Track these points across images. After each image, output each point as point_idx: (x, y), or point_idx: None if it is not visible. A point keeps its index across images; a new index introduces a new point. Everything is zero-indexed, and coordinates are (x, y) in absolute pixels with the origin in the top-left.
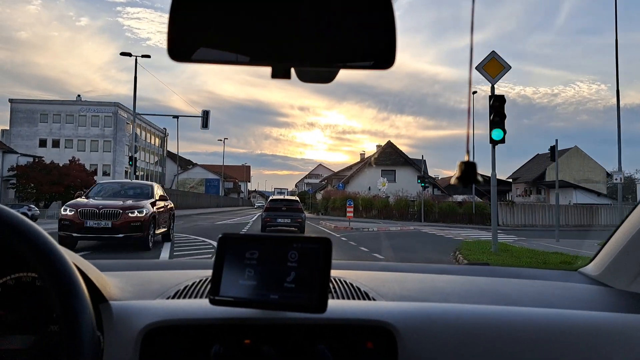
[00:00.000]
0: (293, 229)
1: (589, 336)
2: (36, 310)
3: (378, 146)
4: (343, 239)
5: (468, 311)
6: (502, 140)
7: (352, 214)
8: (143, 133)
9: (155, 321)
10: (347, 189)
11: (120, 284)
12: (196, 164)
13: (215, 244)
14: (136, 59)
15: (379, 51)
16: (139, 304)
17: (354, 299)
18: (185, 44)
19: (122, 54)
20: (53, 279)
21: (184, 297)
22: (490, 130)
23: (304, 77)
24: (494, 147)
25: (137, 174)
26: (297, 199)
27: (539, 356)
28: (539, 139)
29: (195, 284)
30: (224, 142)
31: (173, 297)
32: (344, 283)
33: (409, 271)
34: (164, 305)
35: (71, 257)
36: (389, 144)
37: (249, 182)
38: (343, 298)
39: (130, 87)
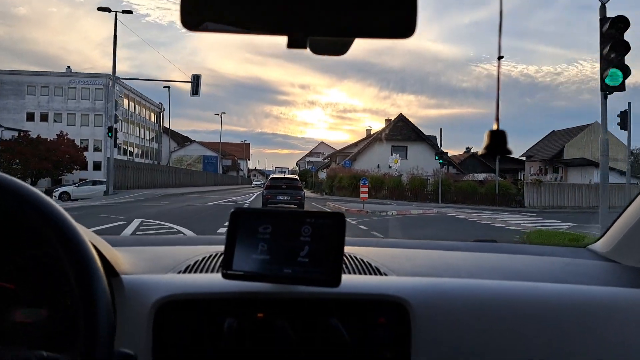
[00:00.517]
0: (293, 205)
1: (598, 310)
2: (49, 284)
3: (387, 120)
4: (362, 227)
5: (479, 286)
6: (621, 87)
7: (366, 195)
8: (137, 107)
9: (167, 295)
10: (354, 167)
11: (131, 259)
12: (194, 140)
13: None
14: (116, 15)
15: (398, 19)
16: (150, 278)
17: (366, 274)
18: (198, 12)
19: (100, 9)
20: (69, 253)
21: (196, 272)
22: (604, 71)
23: (318, 49)
24: (605, 97)
25: (121, 146)
26: (297, 177)
27: (549, 330)
28: (541, 118)
29: (206, 258)
30: (221, 117)
31: (184, 272)
32: (355, 259)
33: (418, 247)
34: (175, 280)
35: (85, 233)
36: (401, 118)
37: (249, 159)
38: (355, 273)
39: (130, 64)
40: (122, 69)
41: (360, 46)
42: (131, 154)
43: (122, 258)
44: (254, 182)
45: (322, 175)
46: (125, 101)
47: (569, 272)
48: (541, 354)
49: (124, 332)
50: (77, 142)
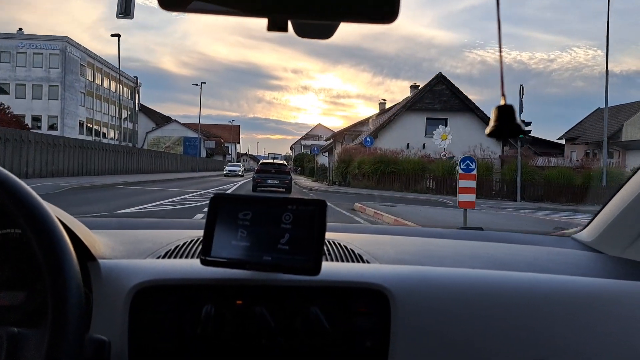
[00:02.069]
0: (281, 189)
1: (580, 301)
2: (25, 266)
3: (414, 87)
4: None
5: (462, 275)
6: None
7: (473, 196)
8: (106, 81)
9: (145, 280)
10: (376, 146)
11: (109, 243)
12: (174, 119)
13: None
14: None
15: (381, 3)
16: (128, 263)
17: (347, 261)
18: None
19: None
20: (36, 233)
21: (175, 257)
22: None
23: (302, 32)
24: None
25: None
26: (285, 163)
27: (531, 320)
28: (533, 105)
29: (187, 243)
30: (200, 88)
31: (164, 257)
32: (338, 245)
33: (403, 234)
34: (154, 265)
35: (56, 213)
36: (440, 79)
37: (239, 143)
38: (337, 260)
39: (121, 47)
40: (112, 52)
41: (354, 31)
42: (97, 133)
43: (100, 242)
44: (226, 169)
45: (323, 159)
46: (90, 71)
47: (553, 262)
48: (523, 344)
49: (100, 317)
50: (28, 118)
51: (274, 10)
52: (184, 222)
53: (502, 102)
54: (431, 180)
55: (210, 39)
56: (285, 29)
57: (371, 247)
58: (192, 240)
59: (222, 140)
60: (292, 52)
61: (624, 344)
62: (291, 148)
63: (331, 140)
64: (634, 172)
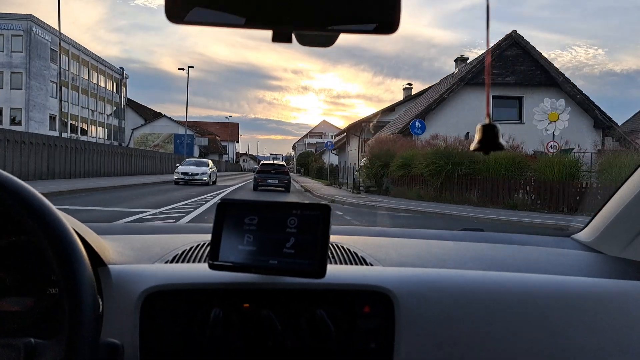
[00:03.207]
0: (280, 188)
1: (580, 302)
2: (34, 272)
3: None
4: None
5: (464, 276)
6: None
7: None
8: (93, 73)
9: (155, 285)
10: (427, 134)
11: (118, 248)
12: (163, 115)
13: None
14: None
15: (382, 15)
16: (137, 268)
17: (351, 264)
18: (182, 4)
19: None
20: (52, 242)
21: (183, 262)
22: None
23: (304, 41)
24: None
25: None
26: (284, 164)
27: (533, 321)
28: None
29: (194, 248)
30: (187, 72)
31: (172, 262)
32: (341, 249)
33: (405, 237)
34: (163, 270)
35: (69, 221)
36: (513, 40)
37: (237, 142)
38: (341, 263)
39: (121, 48)
40: (112, 53)
41: (359, 34)
42: (75, 129)
43: (109, 247)
44: (177, 172)
45: (332, 158)
46: (64, 58)
47: (552, 263)
48: (526, 344)
49: (111, 322)
50: None
51: (278, 22)
52: (190, 227)
53: (486, 121)
54: (532, 188)
55: (210, 40)
56: (289, 40)
57: (374, 249)
58: (198, 245)
59: (217, 137)
60: (292, 52)
61: (624, 343)
62: (294, 147)
63: (343, 135)
64: (632, 172)
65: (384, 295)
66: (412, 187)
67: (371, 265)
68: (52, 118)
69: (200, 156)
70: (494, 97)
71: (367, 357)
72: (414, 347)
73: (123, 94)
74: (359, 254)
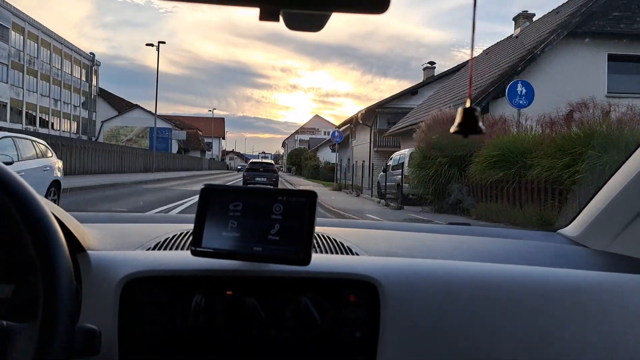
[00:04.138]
0: (269, 185)
1: (564, 293)
2: (15, 259)
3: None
4: None
5: (450, 267)
6: None
7: None
8: (57, 58)
9: (135, 272)
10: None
11: (99, 235)
12: (137, 105)
13: None
14: None
15: None
16: (118, 255)
17: (337, 253)
18: None
19: None
20: (29, 224)
21: (165, 249)
22: None
23: (293, 23)
24: None
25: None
26: (273, 162)
27: (519, 311)
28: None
29: (177, 236)
30: (158, 49)
31: (154, 249)
32: (328, 239)
33: (393, 229)
34: (144, 256)
35: (49, 206)
36: None
37: (223, 138)
38: (327, 253)
39: (107, 45)
40: (98, 49)
41: (343, 29)
42: (33, 121)
43: (89, 234)
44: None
45: (327, 155)
46: (19, 37)
47: (539, 255)
48: (511, 334)
49: (90, 308)
50: None
51: (265, 0)
52: (174, 217)
53: (467, 104)
54: None
55: (197, 37)
56: (277, 19)
57: (361, 240)
58: (182, 233)
59: (199, 132)
60: (280, 50)
61: (606, 333)
62: (283, 144)
63: (346, 127)
64: (618, 167)
65: (370, 285)
66: (521, 200)
67: (357, 254)
68: (3, 106)
69: (179, 152)
70: (609, 57)
71: (352, 346)
72: (399, 336)
73: (94, 83)
74: (345, 244)
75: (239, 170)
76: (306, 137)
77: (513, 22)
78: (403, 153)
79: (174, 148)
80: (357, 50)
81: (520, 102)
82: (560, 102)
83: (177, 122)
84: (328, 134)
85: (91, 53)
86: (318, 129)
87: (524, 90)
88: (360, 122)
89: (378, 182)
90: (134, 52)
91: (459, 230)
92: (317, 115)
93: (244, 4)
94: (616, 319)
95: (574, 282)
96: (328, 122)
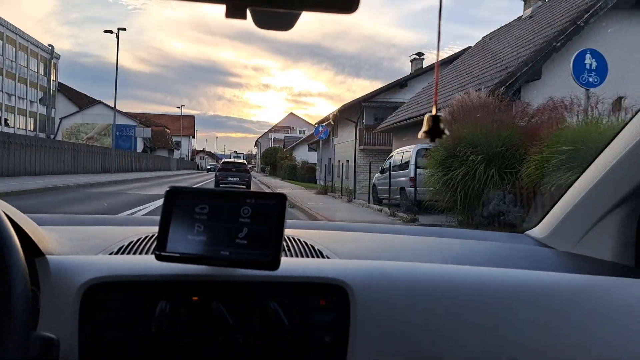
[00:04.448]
0: (242, 186)
1: (533, 295)
2: None
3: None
4: None
5: (420, 269)
6: None
7: None
8: (9, 48)
9: (96, 277)
10: (540, 94)
11: (59, 238)
12: (99, 101)
13: None
14: None
15: None
16: (79, 259)
17: (307, 257)
18: None
19: None
20: None
21: (129, 253)
22: None
23: (261, 22)
24: None
25: None
26: (245, 162)
27: (486, 313)
28: None
29: (141, 240)
30: (117, 36)
31: (117, 253)
32: (297, 241)
33: (362, 231)
34: (106, 261)
35: (3, 208)
36: None
37: (193, 137)
38: (296, 256)
39: (73, 42)
40: (64, 47)
41: (315, 29)
42: None
43: (48, 237)
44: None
45: (303, 153)
46: None
47: (506, 257)
48: (480, 335)
49: (49, 315)
50: None
51: None
52: (137, 219)
53: (433, 112)
54: None
55: (167, 34)
56: (244, 17)
57: (331, 242)
58: (146, 237)
59: (167, 130)
60: (252, 48)
61: (571, 334)
62: (256, 143)
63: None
64: (584, 168)
65: (340, 288)
66: None
67: (327, 257)
68: None
69: (144, 151)
70: None
71: (322, 351)
72: (369, 340)
73: (53, 77)
74: (316, 247)
75: (208, 170)
76: (281, 135)
77: (522, 2)
78: (406, 150)
79: (139, 147)
80: (329, 50)
81: (590, 79)
82: (613, 83)
83: (143, 119)
84: (303, 133)
85: (50, 45)
86: (293, 127)
87: (594, 64)
88: (344, 118)
89: (374, 186)
90: (101, 49)
91: (429, 232)
92: (292, 114)
93: (210, 0)
94: (580, 321)
95: (538, 284)
96: (304, 120)
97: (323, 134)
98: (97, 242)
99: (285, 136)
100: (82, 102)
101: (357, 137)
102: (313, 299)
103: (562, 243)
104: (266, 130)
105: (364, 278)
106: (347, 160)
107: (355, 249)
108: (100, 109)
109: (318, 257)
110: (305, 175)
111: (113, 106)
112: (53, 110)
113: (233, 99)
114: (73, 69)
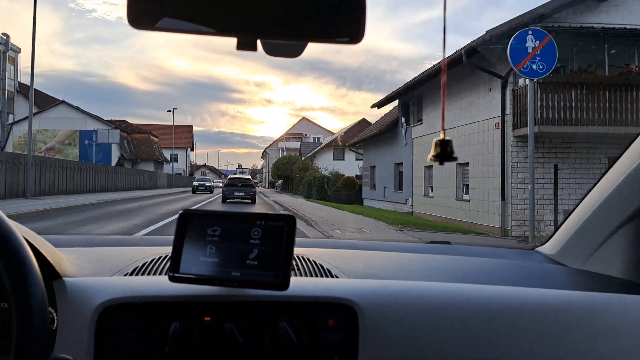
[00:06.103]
0: (247, 200)
1: (543, 313)
2: None
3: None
4: None
5: (429, 288)
6: None
7: None
8: None
9: (112, 298)
10: None
11: (75, 260)
12: (62, 100)
13: None
14: None
15: (348, 25)
16: (94, 281)
17: (316, 276)
18: (146, 10)
19: None
20: (2, 253)
21: (143, 274)
22: None
23: (271, 51)
24: None
25: None
26: (250, 177)
27: (497, 332)
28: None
29: (155, 260)
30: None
31: (131, 274)
32: (306, 261)
33: (372, 249)
34: (121, 282)
35: (22, 232)
36: None
37: (192, 149)
38: (306, 275)
39: (76, 62)
40: (67, 66)
41: (317, 44)
42: None
43: (65, 260)
44: None
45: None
46: None
47: (516, 275)
48: (490, 355)
49: (65, 336)
50: None
51: (242, 30)
52: (152, 239)
53: (442, 136)
54: None
55: (169, 52)
56: (254, 49)
57: (340, 261)
58: (160, 257)
59: (154, 138)
60: (254, 65)
61: (584, 353)
62: (264, 154)
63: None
64: (594, 184)
65: (349, 307)
66: None
67: (336, 277)
68: None
69: (118, 164)
70: None
71: None
72: (378, 359)
73: (9, 75)
74: (325, 266)
75: (195, 190)
76: (295, 144)
77: None
78: None
79: (114, 158)
80: (330, 64)
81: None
82: None
83: (124, 124)
84: (318, 140)
85: (4, 34)
86: (306, 134)
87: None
88: (472, 65)
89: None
90: (105, 68)
91: (438, 250)
92: (305, 118)
93: (221, 34)
94: (591, 339)
95: (548, 302)
96: (319, 126)
97: (403, 127)
98: (113, 264)
99: (301, 143)
100: (46, 104)
101: (505, 110)
102: (322, 318)
103: (573, 260)
104: (275, 139)
105: (373, 297)
106: (467, 163)
107: (365, 267)
108: (62, 110)
109: (327, 276)
110: (341, 192)
111: (82, 110)
112: (11, 116)
113: (236, 115)
114: (79, 88)
